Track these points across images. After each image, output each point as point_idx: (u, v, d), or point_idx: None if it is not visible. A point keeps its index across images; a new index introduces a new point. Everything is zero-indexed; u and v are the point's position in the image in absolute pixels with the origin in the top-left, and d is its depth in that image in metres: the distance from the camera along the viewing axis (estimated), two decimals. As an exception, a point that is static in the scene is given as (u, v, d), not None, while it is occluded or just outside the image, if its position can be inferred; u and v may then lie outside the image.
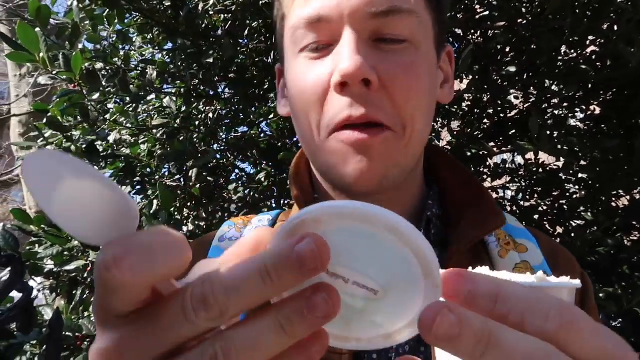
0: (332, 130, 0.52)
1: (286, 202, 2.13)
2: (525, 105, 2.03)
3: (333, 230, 0.27)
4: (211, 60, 1.56)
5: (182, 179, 1.88)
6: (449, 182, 0.64)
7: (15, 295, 1.21)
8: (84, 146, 1.51)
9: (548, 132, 1.57)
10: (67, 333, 1.71)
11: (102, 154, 1.63)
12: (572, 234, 1.76)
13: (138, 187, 1.82)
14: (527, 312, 0.26)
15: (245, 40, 2.00)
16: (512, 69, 1.58)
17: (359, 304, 0.29)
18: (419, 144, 0.56)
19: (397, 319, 0.29)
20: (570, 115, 2.00)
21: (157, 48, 1.92)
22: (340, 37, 0.52)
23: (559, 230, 1.97)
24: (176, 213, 1.99)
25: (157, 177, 1.88)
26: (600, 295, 1.50)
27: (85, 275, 1.53)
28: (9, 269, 1.18)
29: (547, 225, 1.98)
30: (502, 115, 2.09)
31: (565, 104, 2.00)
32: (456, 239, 0.57)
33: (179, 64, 1.67)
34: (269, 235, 0.28)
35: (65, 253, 1.51)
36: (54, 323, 1.25)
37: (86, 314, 1.98)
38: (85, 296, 1.67)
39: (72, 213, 0.27)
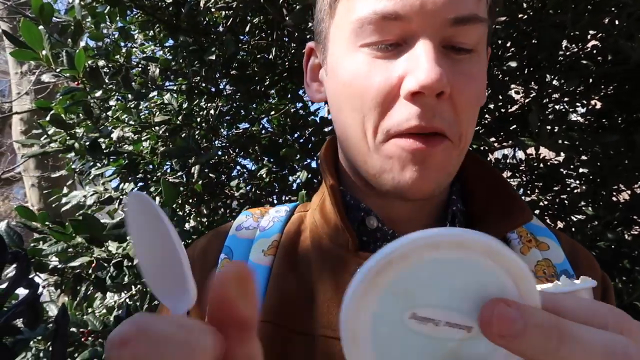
0: (393, 135, 0.50)
1: (287, 198, 2.14)
2: (526, 100, 2.03)
3: (421, 265, 0.25)
4: (213, 57, 1.56)
5: (184, 176, 1.88)
6: (472, 178, 0.63)
7: (21, 293, 1.23)
8: (87, 143, 1.52)
9: (548, 127, 1.58)
10: (72, 329, 1.72)
11: (105, 151, 1.64)
12: (573, 229, 1.77)
13: (141, 184, 1.83)
14: (587, 323, 0.25)
15: (247, 37, 2.01)
16: (513, 64, 1.58)
17: (453, 345, 0.27)
18: (465, 151, 0.55)
19: (497, 349, 0.27)
20: (571, 110, 2.00)
21: (158, 45, 1.93)
22: (411, 38, 0.49)
23: (560, 225, 1.98)
24: (178, 209, 2.00)
25: (159, 174, 1.89)
26: (601, 289, 1.51)
27: (90, 271, 1.54)
28: (14, 265, 1.19)
29: (548, 220, 1.99)
30: (502, 110, 2.09)
31: (566, 99, 2.00)
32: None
33: (181, 61, 1.68)
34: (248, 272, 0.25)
35: (70, 250, 1.52)
36: (60, 319, 1.26)
37: (90, 310, 1.99)
38: (89, 292, 1.68)
39: (153, 257, 0.30)
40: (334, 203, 0.56)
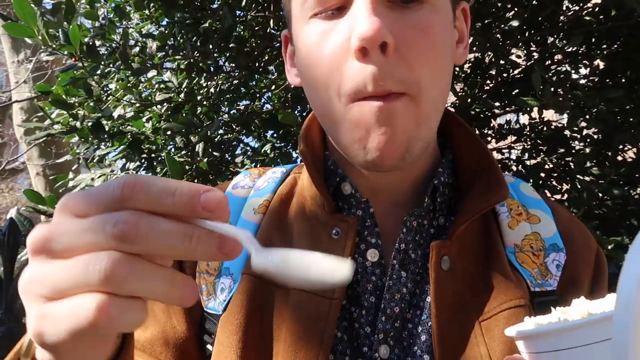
0: (353, 99, 0.50)
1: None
2: (529, 63, 2.00)
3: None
4: (207, 25, 1.54)
5: (189, 155, 1.88)
6: (462, 150, 0.62)
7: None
8: (89, 124, 1.52)
9: (552, 89, 1.56)
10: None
11: (108, 132, 1.64)
12: (579, 187, 1.77)
13: (145, 163, 1.83)
14: None
15: (243, 12, 1.98)
16: (515, 23, 1.56)
17: None
18: (434, 111, 0.53)
19: None
20: (573, 72, 1.98)
21: (154, 23, 1.91)
22: None
23: (566, 186, 1.98)
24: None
25: (164, 153, 1.89)
26: (609, 247, 1.52)
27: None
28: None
29: (553, 182, 1.98)
30: (505, 75, 2.07)
31: (568, 60, 1.97)
32: (463, 209, 0.57)
33: (179, 37, 1.66)
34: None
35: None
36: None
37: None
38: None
39: None
40: (307, 167, 0.58)
